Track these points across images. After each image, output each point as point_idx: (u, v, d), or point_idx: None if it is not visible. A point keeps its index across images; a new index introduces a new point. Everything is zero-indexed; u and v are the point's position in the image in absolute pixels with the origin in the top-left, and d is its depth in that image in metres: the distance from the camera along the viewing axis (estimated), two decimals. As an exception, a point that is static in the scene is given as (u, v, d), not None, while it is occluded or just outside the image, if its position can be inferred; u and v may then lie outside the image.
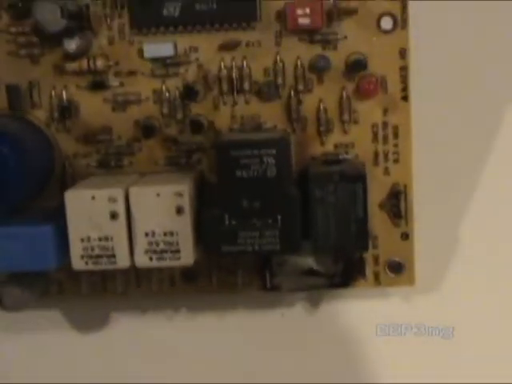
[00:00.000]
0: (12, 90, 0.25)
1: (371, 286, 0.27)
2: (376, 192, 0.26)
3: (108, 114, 0.26)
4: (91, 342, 0.29)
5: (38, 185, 0.25)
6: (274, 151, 0.23)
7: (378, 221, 0.26)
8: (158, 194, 0.24)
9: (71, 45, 0.24)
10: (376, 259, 0.26)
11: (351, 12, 0.24)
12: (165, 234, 0.24)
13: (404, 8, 0.25)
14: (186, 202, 0.23)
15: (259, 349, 0.29)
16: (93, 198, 0.24)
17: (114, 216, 0.24)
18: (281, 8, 0.25)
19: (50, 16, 0.23)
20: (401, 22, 0.25)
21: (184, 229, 0.24)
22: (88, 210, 0.24)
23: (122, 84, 0.26)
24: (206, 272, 0.27)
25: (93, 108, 0.26)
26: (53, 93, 0.26)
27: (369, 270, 0.26)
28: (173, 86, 0.25)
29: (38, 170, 0.25)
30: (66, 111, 0.26)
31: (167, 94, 0.25)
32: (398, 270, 0.26)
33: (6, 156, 0.23)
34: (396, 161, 0.26)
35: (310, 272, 0.27)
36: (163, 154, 0.26)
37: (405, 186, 0.26)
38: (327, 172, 0.24)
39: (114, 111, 0.26)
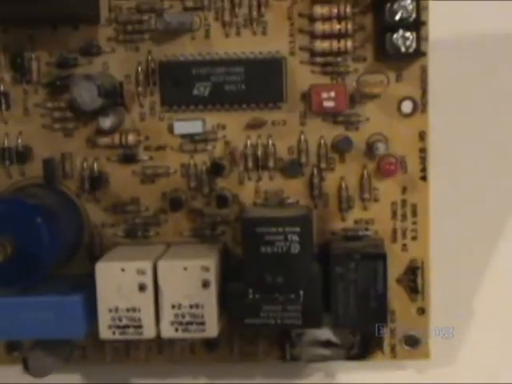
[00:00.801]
0: (47, 164, 0.27)
1: (387, 359, 0.28)
2: (394, 267, 0.27)
3: (136, 185, 0.28)
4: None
5: (68, 253, 0.27)
6: (297, 229, 0.25)
7: (395, 295, 0.27)
8: (185, 268, 0.25)
9: (106, 123, 0.26)
10: (393, 333, 0.28)
11: (373, 95, 0.26)
12: (191, 307, 0.25)
13: (424, 93, 0.26)
14: (212, 277, 0.25)
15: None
16: (122, 270, 0.25)
17: (142, 288, 0.25)
18: (306, 90, 0.27)
19: (87, 95, 0.25)
20: (421, 105, 0.27)
21: (209, 302, 0.25)
22: (117, 282, 0.25)
23: (151, 158, 0.27)
24: (227, 341, 0.28)
25: (122, 180, 0.28)
26: (84, 165, 0.27)
27: (385, 343, 0.28)
28: (200, 161, 0.27)
29: (68, 239, 0.27)
30: (96, 182, 0.27)
31: (194, 169, 0.27)
32: (414, 344, 0.28)
33: (40, 228, 0.25)
34: (414, 238, 0.27)
35: (329, 343, 0.28)
36: (189, 226, 0.28)
37: (422, 263, 0.27)
38: (348, 250, 0.26)
39: (142, 183, 0.28)
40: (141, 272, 0.25)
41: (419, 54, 0.25)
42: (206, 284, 0.25)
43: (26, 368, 0.27)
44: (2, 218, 0.24)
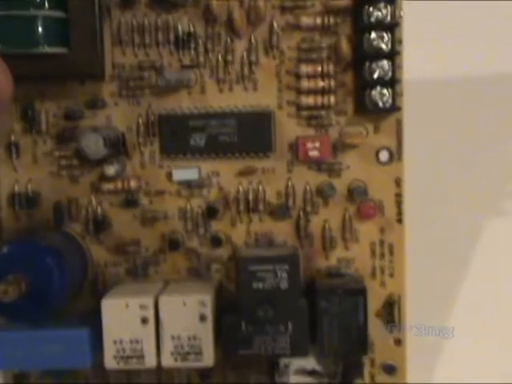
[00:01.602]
0: (57, 208, 0.30)
1: (368, 386, 0.31)
2: (373, 302, 0.30)
3: (137, 228, 0.31)
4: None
5: (74, 290, 0.30)
6: (286, 266, 0.28)
7: (374, 328, 0.30)
8: (184, 303, 0.28)
9: (110, 170, 0.29)
10: (372, 362, 0.31)
11: (354, 145, 0.30)
12: (189, 339, 0.28)
13: (399, 143, 0.30)
14: (209, 311, 0.28)
15: None
16: (126, 305, 0.28)
17: (144, 321, 0.28)
18: (293, 141, 0.30)
19: (93, 146, 0.28)
20: (396, 155, 0.30)
21: (206, 334, 0.28)
22: (121, 316, 0.28)
23: (150, 202, 0.30)
24: (221, 370, 0.31)
25: (124, 223, 0.31)
26: (89, 209, 0.30)
27: (365, 372, 0.31)
28: (196, 205, 0.30)
29: (74, 277, 0.29)
30: (100, 225, 0.30)
31: (191, 212, 0.30)
32: (392, 371, 0.31)
33: (51, 268, 0.28)
34: (391, 275, 0.31)
35: (313, 372, 0.31)
36: (186, 265, 0.31)
37: (398, 297, 0.31)
38: (332, 286, 0.29)
39: (142, 226, 0.31)
40: (143, 307, 0.28)
41: (395, 108, 0.29)
42: (203, 318, 0.28)
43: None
44: (17, 259, 0.27)
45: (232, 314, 0.29)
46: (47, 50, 0.26)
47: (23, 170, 0.30)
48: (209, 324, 0.28)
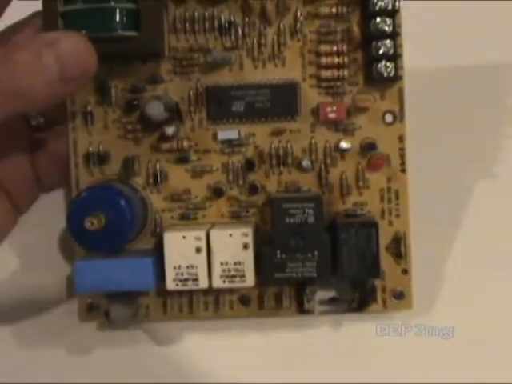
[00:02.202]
0: (126, 163, 0.37)
1: (380, 310, 0.38)
2: (383, 238, 0.37)
3: (188, 180, 0.38)
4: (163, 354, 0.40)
5: (139, 229, 0.37)
6: (312, 204, 0.35)
7: (384, 260, 0.37)
8: (230, 235, 0.35)
9: (169, 130, 0.36)
10: (384, 289, 0.38)
11: (364, 109, 0.37)
12: (234, 264, 0.35)
13: (401, 107, 0.37)
14: (250, 240, 0.35)
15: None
16: (184, 237, 0.35)
17: (198, 250, 0.35)
18: (314, 107, 0.37)
19: (156, 110, 0.36)
20: (399, 117, 0.37)
21: (248, 260, 0.35)
22: (180, 246, 0.35)
23: (199, 159, 0.38)
24: (259, 298, 0.38)
25: (177, 176, 0.38)
26: (149, 165, 0.38)
27: (378, 297, 0.38)
28: (236, 160, 0.38)
29: (139, 219, 0.37)
30: (158, 178, 0.38)
31: (232, 166, 0.38)
32: (400, 297, 0.38)
33: (124, 208, 0.35)
34: (397, 215, 0.37)
35: (334, 300, 0.38)
36: (228, 209, 0.38)
37: (404, 234, 0.37)
38: (350, 221, 0.36)
39: (192, 178, 0.38)
40: (197, 238, 0.35)
41: (397, 77, 0.36)
42: (245, 246, 0.35)
43: (108, 318, 0.37)
44: (97, 200, 0.34)
45: (268, 245, 0.36)
46: (122, 33, 0.34)
47: (96, 134, 0.38)
48: (250, 251, 0.35)
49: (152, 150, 0.38)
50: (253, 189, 0.37)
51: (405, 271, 0.38)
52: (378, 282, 0.37)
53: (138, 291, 0.37)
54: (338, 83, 0.37)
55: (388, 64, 0.36)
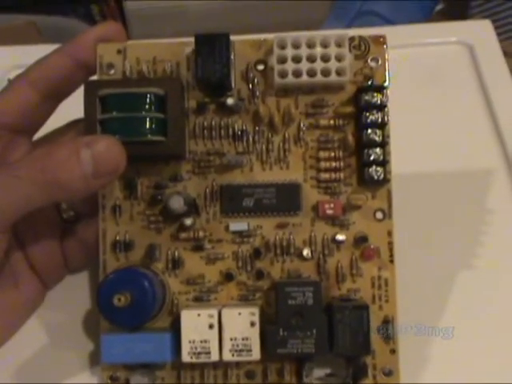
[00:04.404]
0: (148, 250, 0.43)
1: (371, 385, 0.43)
2: (373, 321, 0.42)
3: (203, 266, 0.43)
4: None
5: (158, 309, 0.42)
6: (311, 288, 0.41)
7: (375, 341, 0.43)
8: (239, 313, 0.41)
9: (188, 221, 0.42)
10: (374, 367, 0.43)
11: (358, 207, 0.43)
12: (242, 339, 0.41)
13: (390, 206, 0.43)
14: (257, 319, 0.41)
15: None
16: (198, 315, 0.41)
17: (211, 326, 0.41)
18: (314, 204, 0.43)
19: (177, 204, 0.42)
20: (388, 214, 0.43)
21: (254, 336, 0.41)
22: (195, 322, 0.41)
23: (213, 247, 0.43)
24: (263, 372, 0.43)
25: (193, 262, 0.43)
26: (168, 252, 0.43)
27: (369, 373, 0.43)
28: (245, 249, 0.43)
29: (159, 299, 0.42)
30: (176, 264, 0.43)
31: (242, 254, 0.43)
32: (389, 374, 0.43)
33: (147, 288, 0.40)
34: (386, 301, 0.43)
35: (330, 375, 0.43)
36: (237, 293, 0.43)
37: (392, 318, 0.43)
38: (344, 304, 0.42)
39: (206, 265, 0.43)
40: (210, 316, 0.41)
41: (386, 180, 0.42)
42: (252, 324, 0.41)
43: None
44: (125, 281, 0.40)
45: (272, 324, 0.41)
46: (151, 138, 0.40)
47: (123, 225, 0.44)
48: (256, 328, 0.41)
49: (171, 238, 0.44)
50: (259, 274, 0.43)
51: (393, 351, 0.43)
52: (369, 360, 0.43)
53: (155, 364, 0.42)
54: (335, 184, 0.43)
55: (378, 169, 0.42)
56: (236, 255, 0.44)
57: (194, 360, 0.41)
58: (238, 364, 0.43)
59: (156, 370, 0.43)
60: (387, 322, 0.43)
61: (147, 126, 0.40)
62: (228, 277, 0.43)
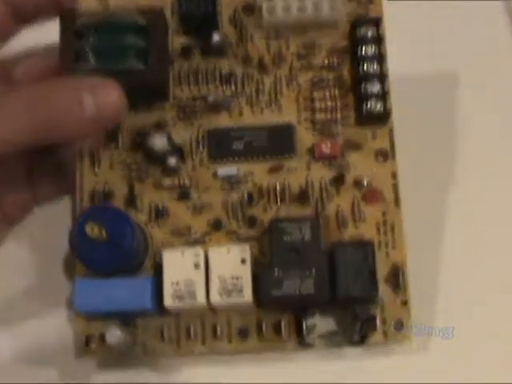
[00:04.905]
0: (128, 199, 0.39)
1: (381, 341, 0.37)
2: (380, 270, 0.38)
3: (189, 216, 0.39)
4: None
5: (139, 262, 0.38)
6: (308, 223, 0.37)
7: (383, 292, 0.38)
8: (228, 250, 0.36)
9: (172, 161, 0.39)
10: (384, 320, 0.38)
11: (357, 146, 0.39)
12: (232, 278, 0.36)
13: (392, 145, 0.40)
14: (248, 256, 0.36)
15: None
16: (182, 254, 0.36)
17: (196, 266, 0.36)
18: (310, 146, 0.40)
19: (159, 141, 0.38)
20: (391, 154, 0.40)
21: (246, 274, 0.36)
22: (178, 263, 0.36)
23: (199, 197, 0.39)
24: (258, 331, 0.38)
25: (179, 212, 0.39)
26: (151, 202, 0.39)
27: (379, 329, 0.37)
28: (236, 197, 0.39)
29: (138, 246, 0.38)
30: (160, 214, 0.39)
31: (231, 202, 0.39)
32: (400, 328, 0.37)
33: (125, 221, 0.36)
34: (394, 247, 0.38)
35: (334, 333, 0.38)
36: (226, 243, 0.38)
37: (401, 265, 0.38)
38: (346, 242, 0.37)
39: (193, 215, 0.39)
40: (196, 255, 0.36)
41: (386, 113, 0.39)
42: (243, 261, 0.36)
43: (104, 340, 0.36)
44: (103, 215, 0.35)
45: (266, 263, 0.36)
46: (131, 65, 0.38)
47: (102, 175, 0.40)
48: (248, 266, 0.36)
49: (155, 187, 0.40)
50: (252, 222, 0.39)
51: (404, 302, 0.38)
52: (377, 311, 0.37)
53: (135, 315, 0.37)
54: (332, 125, 0.40)
55: (377, 103, 0.39)
56: (225, 204, 0.39)
57: (178, 304, 0.36)
58: (229, 322, 0.38)
59: (136, 322, 0.38)
60: (396, 270, 0.38)
61: (127, 54, 0.38)
62: (216, 225, 0.39)
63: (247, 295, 0.36)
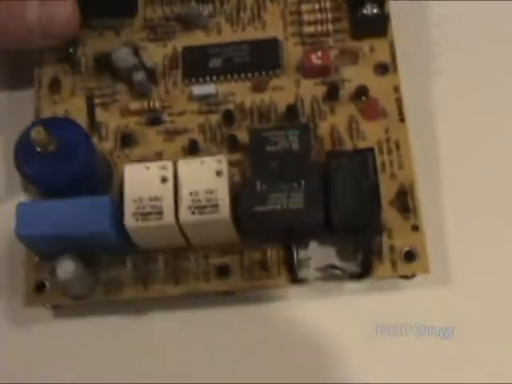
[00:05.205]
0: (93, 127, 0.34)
1: (389, 274, 0.31)
2: (385, 193, 0.31)
3: (160, 143, 0.34)
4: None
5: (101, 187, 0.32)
6: (297, 131, 0.31)
7: (390, 216, 0.31)
8: (202, 162, 0.30)
9: (138, 76, 0.33)
10: (392, 249, 0.31)
11: (353, 56, 0.34)
12: (206, 192, 0.30)
13: (393, 58, 0.34)
14: (225, 166, 0.30)
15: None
16: (147, 168, 0.30)
17: (164, 180, 0.30)
18: (299, 62, 0.34)
19: (123, 55, 0.33)
20: (392, 67, 0.34)
21: (222, 187, 0.30)
22: (142, 177, 0.30)
23: (173, 121, 0.34)
24: (240, 268, 0.31)
25: (148, 139, 0.34)
26: (117, 128, 0.34)
27: (386, 259, 0.31)
28: (214, 120, 0.34)
29: (101, 171, 0.32)
30: (127, 141, 0.34)
31: (209, 126, 0.34)
32: (413, 258, 0.31)
33: (80, 130, 0.31)
34: (400, 167, 0.32)
35: (333, 267, 0.31)
36: (204, 170, 0.33)
37: (410, 186, 0.32)
38: (342, 150, 0.31)
39: (165, 141, 0.34)
40: (163, 167, 0.30)
41: (384, 18, 0.34)
42: (219, 173, 0.30)
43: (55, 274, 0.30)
44: (58, 124, 0.31)
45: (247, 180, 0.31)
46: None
47: (62, 103, 0.35)
48: (224, 179, 0.30)
49: (121, 113, 0.34)
50: (233, 143, 0.33)
51: (415, 227, 0.31)
52: (384, 239, 0.31)
53: (92, 244, 0.31)
54: (323, 38, 0.35)
55: (373, 6, 0.34)
56: (203, 128, 0.34)
57: (141, 224, 0.30)
58: (206, 257, 0.32)
59: (97, 260, 0.32)
60: (404, 191, 0.32)
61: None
62: (192, 147, 0.33)
63: (223, 211, 0.30)
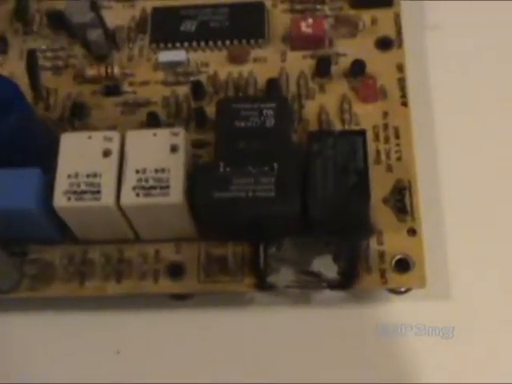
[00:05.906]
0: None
1: (377, 286, 0.25)
2: (379, 188, 0.26)
3: (117, 115, 0.28)
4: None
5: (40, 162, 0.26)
6: (273, 105, 0.25)
7: (382, 216, 0.25)
8: (154, 134, 0.25)
9: (93, 35, 0.28)
10: (382, 256, 0.25)
11: (351, 26, 0.28)
12: (156, 171, 0.24)
13: (399, 32, 0.28)
14: (181, 141, 0.24)
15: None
16: (89, 137, 0.25)
17: (106, 154, 0.24)
18: (287, 31, 0.29)
19: (78, 10, 0.28)
20: (396, 42, 0.28)
21: (176, 166, 0.24)
22: (81, 148, 0.24)
23: (135, 91, 0.28)
24: (195, 268, 0.26)
25: (103, 110, 0.28)
26: (67, 97, 0.29)
27: (375, 268, 0.25)
28: (182, 93, 0.28)
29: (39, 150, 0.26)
30: (78, 112, 0.28)
31: (175, 99, 0.28)
32: (407, 267, 0.25)
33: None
34: (398, 158, 0.26)
35: (309, 273, 0.25)
36: (164, 147, 0.27)
37: (409, 183, 0.26)
38: (327, 129, 0.25)
39: (123, 114, 0.28)
40: (107, 139, 0.25)
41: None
42: (174, 148, 0.24)
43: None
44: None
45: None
46: None
47: (8, 66, 0.29)
48: (180, 155, 0.24)
49: (74, 79, 0.29)
50: (200, 118, 0.27)
51: (412, 231, 0.25)
52: (372, 241, 0.25)
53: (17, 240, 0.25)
54: (318, 5, 0.29)
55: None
56: (167, 101, 0.28)
57: (73, 203, 0.24)
58: (157, 254, 0.26)
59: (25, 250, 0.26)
60: (401, 188, 0.26)
61: None
62: (151, 122, 0.27)
63: (175, 194, 0.24)
